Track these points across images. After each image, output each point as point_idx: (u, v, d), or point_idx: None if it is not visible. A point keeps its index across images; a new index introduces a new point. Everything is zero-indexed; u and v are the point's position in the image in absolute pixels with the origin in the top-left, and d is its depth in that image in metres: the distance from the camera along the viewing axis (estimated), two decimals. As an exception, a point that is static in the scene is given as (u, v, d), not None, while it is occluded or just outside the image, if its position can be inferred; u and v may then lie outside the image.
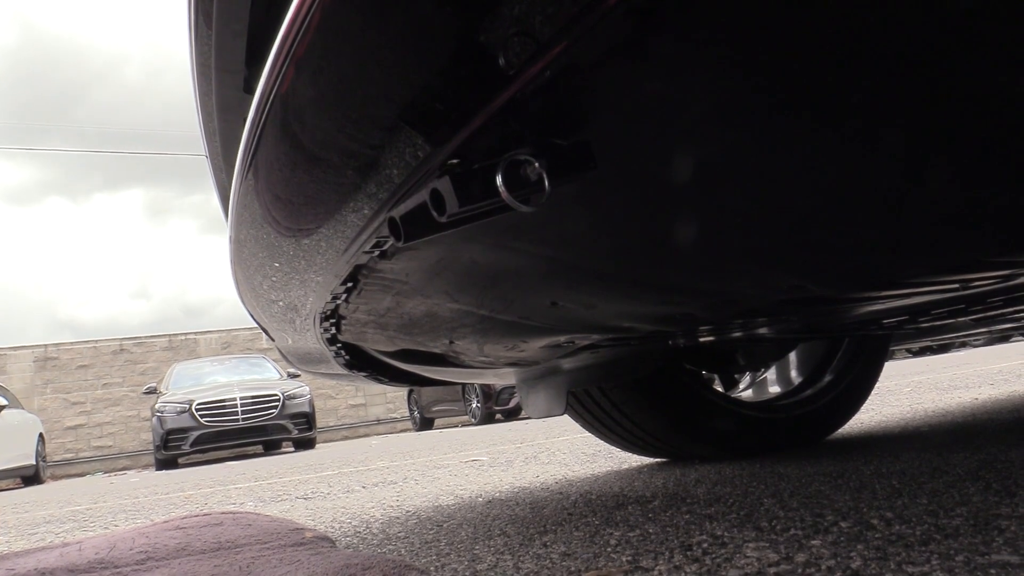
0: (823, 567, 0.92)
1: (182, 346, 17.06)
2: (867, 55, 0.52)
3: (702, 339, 1.71)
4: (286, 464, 6.13)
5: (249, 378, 12.10)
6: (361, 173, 0.67)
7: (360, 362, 1.68)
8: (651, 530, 1.29)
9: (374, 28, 0.50)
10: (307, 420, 11.26)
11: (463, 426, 11.28)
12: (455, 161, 0.54)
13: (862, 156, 0.66)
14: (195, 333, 17.44)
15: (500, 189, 0.50)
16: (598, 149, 0.53)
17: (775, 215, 0.80)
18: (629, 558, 1.11)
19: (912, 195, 0.74)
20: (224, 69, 0.81)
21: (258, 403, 11.13)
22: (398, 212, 0.61)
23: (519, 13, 0.41)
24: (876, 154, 0.66)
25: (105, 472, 13.87)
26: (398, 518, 1.91)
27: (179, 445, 10.89)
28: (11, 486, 10.77)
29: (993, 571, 0.81)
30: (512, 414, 10.85)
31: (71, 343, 16.45)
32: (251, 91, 0.61)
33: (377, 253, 0.92)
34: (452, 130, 0.52)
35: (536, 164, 0.50)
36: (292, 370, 10.76)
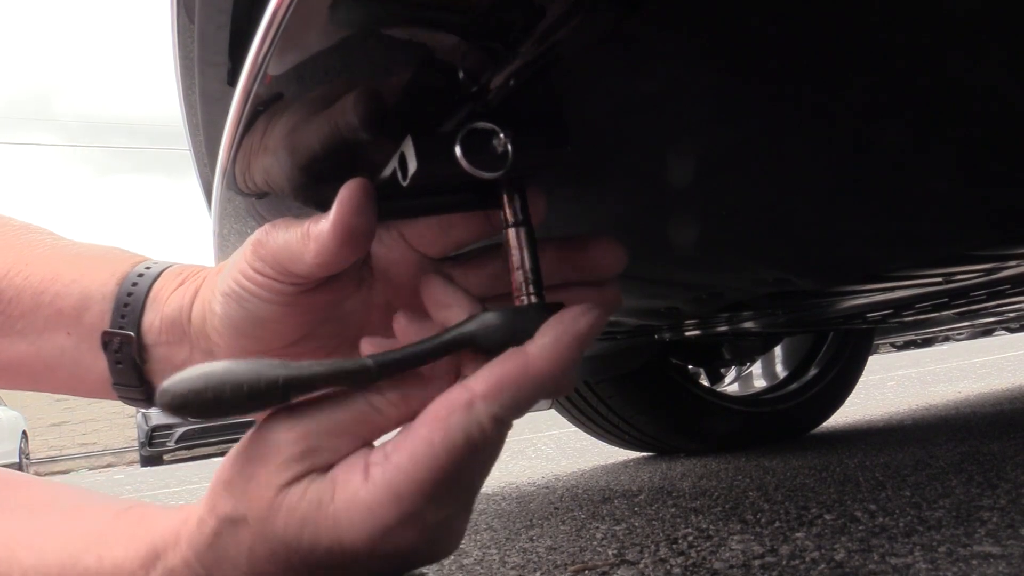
0: (807, 559, 0.93)
1: (167, 342, 16.93)
2: (855, 47, 0.52)
3: (688, 333, 1.72)
4: (272, 460, 6.08)
5: (235, 374, 12.03)
6: (345, 164, 0.66)
7: (346, 357, 1.67)
8: (637, 524, 1.30)
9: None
10: (294, 416, 11.22)
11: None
12: (422, 129, 0.53)
13: (847, 149, 0.67)
14: (180, 329, 17.30)
15: (458, 155, 0.48)
16: (575, 133, 0.52)
17: (759, 209, 0.80)
18: (615, 551, 1.11)
19: (897, 189, 0.75)
20: (207, 62, 0.80)
21: (244, 399, 11.08)
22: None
23: None
24: (862, 147, 0.66)
25: (90, 469, 13.78)
26: (384, 513, 1.91)
27: (164, 441, 10.84)
28: (-6, 484, 10.68)
29: (975, 562, 0.82)
30: (499, 409, 10.85)
31: (55, 339, 16.27)
32: (234, 83, 0.61)
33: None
34: (428, 107, 0.51)
35: (502, 135, 0.49)
36: (278, 366, 10.67)
